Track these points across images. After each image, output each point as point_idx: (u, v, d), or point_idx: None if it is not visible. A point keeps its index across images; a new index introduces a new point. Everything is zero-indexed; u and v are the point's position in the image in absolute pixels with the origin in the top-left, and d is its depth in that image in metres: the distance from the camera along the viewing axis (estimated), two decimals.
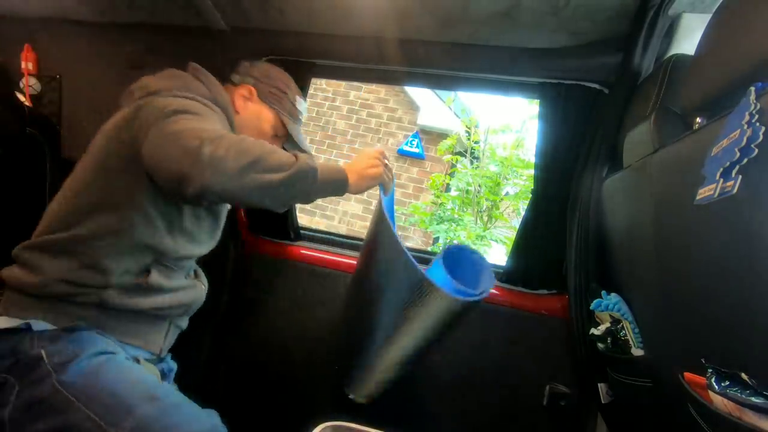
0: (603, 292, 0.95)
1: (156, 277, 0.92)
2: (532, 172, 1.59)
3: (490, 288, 1.01)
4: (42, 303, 0.85)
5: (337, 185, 0.91)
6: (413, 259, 0.89)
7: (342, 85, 5.38)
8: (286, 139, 1.15)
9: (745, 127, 0.44)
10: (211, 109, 0.96)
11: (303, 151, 1.14)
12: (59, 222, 0.88)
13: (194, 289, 1.04)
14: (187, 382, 1.08)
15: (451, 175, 4.57)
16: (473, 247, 1.10)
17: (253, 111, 1.10)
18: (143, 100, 0.90)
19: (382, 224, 0.94)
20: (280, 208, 0.88)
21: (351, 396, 1.26)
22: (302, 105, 1.18)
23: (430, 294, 0.89)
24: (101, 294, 0.87)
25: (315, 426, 1.04)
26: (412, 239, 4.74)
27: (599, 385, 1.13)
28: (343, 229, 5.07)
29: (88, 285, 0.86)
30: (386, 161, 0.99)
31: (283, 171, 0.81)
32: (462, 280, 1.00)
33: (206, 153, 0.75)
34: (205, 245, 1.06)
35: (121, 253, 0.88)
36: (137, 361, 0.92)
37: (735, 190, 0.44)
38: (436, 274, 1.00)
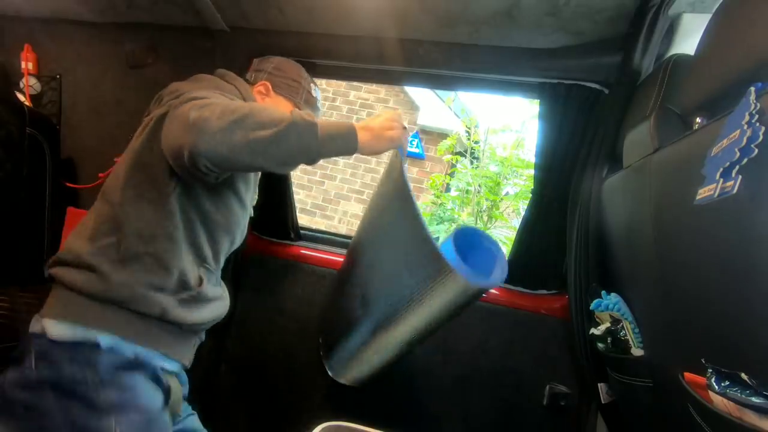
0: (603, 292, 0.95)
1: (206, 285, 0.95)
2: (532, 172, 1.59)
3: (503, 275, 0.91)
4: (105, 310, 0.83)
5: (344, 143, 0.84)
6: (433, 239, 0.82)
7: (342, 85, 5.38)
8: None
9: (745, 127, 0.44)
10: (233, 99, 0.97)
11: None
12: (108, 222, 0.88)
13: (224, 302, 1.05)
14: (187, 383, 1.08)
15: (451, 175, 4.57)
16: (485, 232, 1.02)
17: (271, 105, 1.10)
18: (174, 101, 0.90)
19: (401, 193, 0.86)
20: (279, 168, 0.83)
21: (330, 374, 1.25)
22: (317, 92, 1.21)
23: (446, 277, 0.82)
24: (163, 304, 0.86)
25: (315, 426, 1.04)
26: None
27: (599, 385, 1.13)
28: (343, 229, 5.07)
29: (153, 286, 0.86)
30: (404, 125, 0.93)
31: (274, 127, 0.76)
32: (472, 266, 0.94)
33: (192, 117, 0.75)
34: (237, 240, 1.07)
35: (173, 249, 0.88)
36: (175, 375, 0.96)
37: (735, 190, 0.44)
38: (447, 255, 0.93)
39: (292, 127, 0.78)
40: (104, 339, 0.82)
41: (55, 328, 0.81)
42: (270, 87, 1.12)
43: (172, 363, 0.94)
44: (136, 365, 0.85)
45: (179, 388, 0.95)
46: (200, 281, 0.94)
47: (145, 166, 0.90)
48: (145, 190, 0.89)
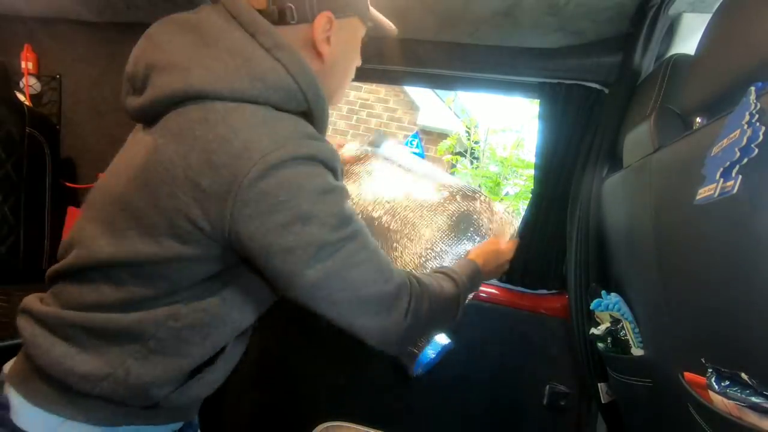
0: (603, 292, 0.95)
1: (225, 354, 0.70)
2: (532, 172, 1.59)
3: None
4: (86, 401, 0.60)
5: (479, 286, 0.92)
6: None
7: None
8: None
9: (745, 127, 0.44)
10: (337, 173, 0.64)
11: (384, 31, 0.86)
12: (118, 301, 0.60)
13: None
14: None
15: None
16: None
17: (340, 43, 0.70)
18: (216, 155, 0.53)
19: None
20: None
21: None
22: None
23: None
24: (160, 395, 0.63)
25: (315, 426, 1.04)
26: None
27: (599, 385, 1.13)
28: None
29: (149, 382, 0.61)
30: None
31: (453, 314, 0.78)
32: None
33: (403, 332, 0.65)
34: None
35: (202, 333, 0.64)
36: None
37: (735, 190, 0.44)
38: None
39: (462, 308, 0.80)
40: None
41: (28, 417, 0.59)
42: (332, 17, 0.65)
43: (164, 427, 0.71)
44: None
45: None
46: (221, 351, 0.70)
47: (186, 259, 0.59)
48: (183, 282, 0.61)
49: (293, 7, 0.62)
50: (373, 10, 0.78)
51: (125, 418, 0.63)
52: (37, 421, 0.59)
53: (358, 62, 0.79)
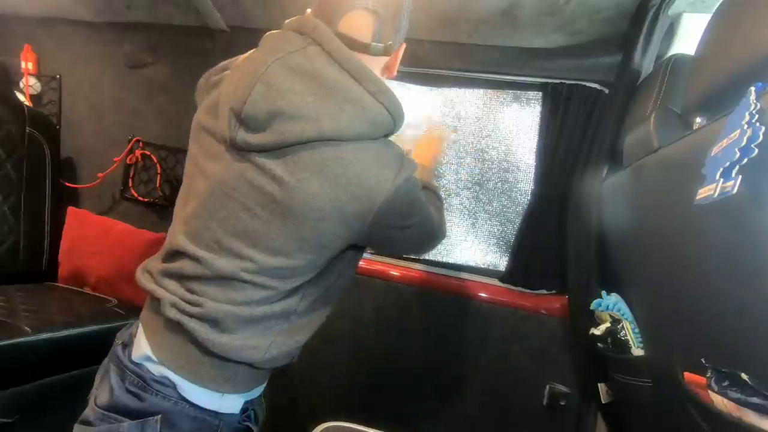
0: (603, 292, 0.95)
1: None
2: None
3: None
4: (236, 377, 0.78)
5: None
6: None
7: None
8: None
9: (745, 127, 0.44)
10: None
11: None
12: (260, 293, 0.76)
13: None
14: None
15: None
16: None
17: (398, 60, 0.88)
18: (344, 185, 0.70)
19: None
20: None
21: None
22: None
23: None
24: (292, 356, 0.84)
25: (315, 426, 1.04)
26: None
27: (599, 385, 1.13)
28: None
29: (294, 347, 0.82)
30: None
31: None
32: None
33: (431, 238, 0.90)
34: None
35: (321, 302, 0.84)
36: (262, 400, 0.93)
37: (735, 190, 0.44)
38: None
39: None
40: (236, 400, 0.80)
41: (198, 395, 0.75)
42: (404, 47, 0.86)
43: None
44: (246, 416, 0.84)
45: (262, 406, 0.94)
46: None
47: (320, 252, 0.77)
48: (312, 271, 0.78)
49: (392, 44, 0.79)
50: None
51: (256, 381, 0.83)
52: (203, 396, 0.75)
53: None
